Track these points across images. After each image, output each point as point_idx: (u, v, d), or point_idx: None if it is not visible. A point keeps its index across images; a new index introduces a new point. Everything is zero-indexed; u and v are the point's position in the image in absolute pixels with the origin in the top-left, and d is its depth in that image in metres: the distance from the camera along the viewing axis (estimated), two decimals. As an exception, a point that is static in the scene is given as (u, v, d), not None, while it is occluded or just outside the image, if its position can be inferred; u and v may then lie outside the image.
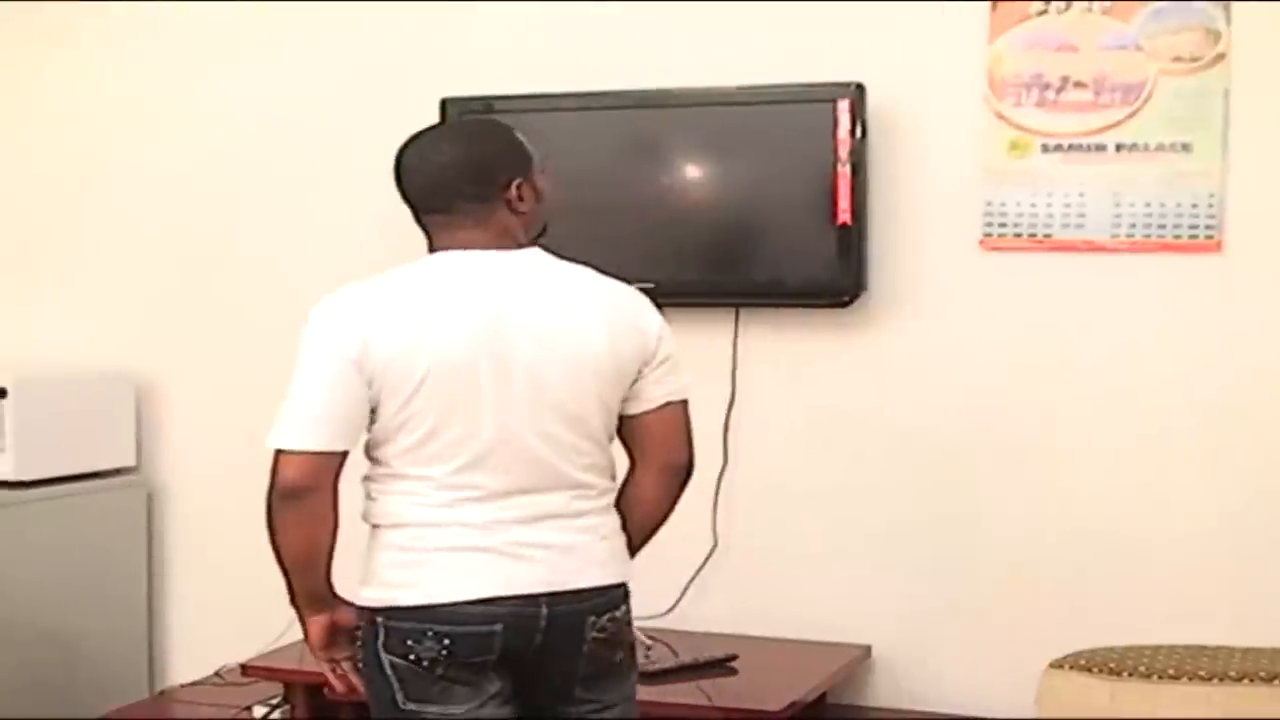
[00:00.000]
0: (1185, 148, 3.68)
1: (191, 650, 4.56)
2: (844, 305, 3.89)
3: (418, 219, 2.90)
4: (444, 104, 4.10)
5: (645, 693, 3.56)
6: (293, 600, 2.86)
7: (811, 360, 4.00)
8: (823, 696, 3.76)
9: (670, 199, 4.03)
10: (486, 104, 4.07)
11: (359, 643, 2.84)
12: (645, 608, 3.94)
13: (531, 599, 2.76)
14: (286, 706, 3.89)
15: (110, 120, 4.63)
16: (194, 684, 4.26)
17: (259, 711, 3.91)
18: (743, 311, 4.00)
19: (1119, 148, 3.73)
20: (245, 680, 3.98)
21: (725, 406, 4.01)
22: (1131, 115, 3.72)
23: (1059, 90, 3.76)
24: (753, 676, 3.70)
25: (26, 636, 4.26)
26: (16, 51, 4.69)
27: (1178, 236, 3.70)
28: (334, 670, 2.92)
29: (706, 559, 4.03)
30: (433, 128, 3.10)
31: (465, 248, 2.82)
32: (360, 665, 2.86)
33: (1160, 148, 3.70)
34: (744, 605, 4.03)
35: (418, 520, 2.78)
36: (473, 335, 2.74)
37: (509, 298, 2.78)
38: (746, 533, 4.03)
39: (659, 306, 3.97)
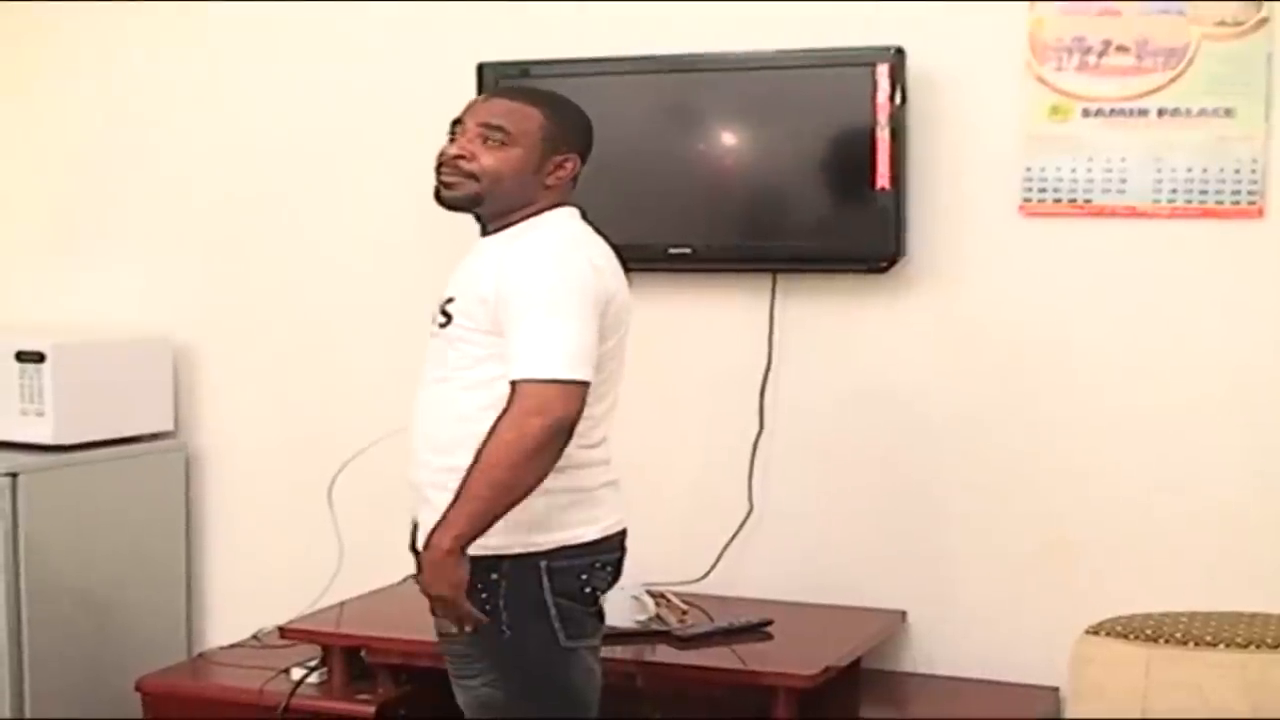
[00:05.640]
0: (1228, 113, 3.65)
1: (229, 613, 4.58)
2: (882, 271, 3.87)
3: (575, 173, 3.14)
4: (480, 69, 4.09)
5: (680, 657, 3.61)
6: (466, 540, 2.87)
7: (849, 326, 3.98)
8: (857, 662, 3.76)
9: (707, 164, 4.02)
10: (523, 69, 4.06)
11: (485, 593, 2.93)
12: (681, 573, 3.97)
13: None
14: (324, 669, 3.90)
15: (150, 87, 4.64)
16: (231, 647, 4.27)
17: (297, 674, 3.92)
18: (780, 277, 3.99)
19: (1161, 113, 3.70)
20: (283, 643, 3.99)
21: (762, 373, 4.00)
22: (1174, 80, 3.68)
23: (1100, 54, 3.73)
24: (787, 642, 3.70)
25: (65, 600, 4.28)
26: (61, 21, 4.70)
27: (1220, 202, 3.67)
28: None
29: (742, 525, 4.03)
30: None
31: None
32: (490, 613, 2.95)
33: (1202, 113, 3.66)
34: (779, 571, 4.02)
35: (581, 461, 2.98)
36: None
37: None
38: (782, 499, 4.03)
39: (696, 272, 4.02)
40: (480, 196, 3.06)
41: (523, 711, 3.01)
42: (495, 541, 2.91)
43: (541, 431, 2.82)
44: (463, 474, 2.86)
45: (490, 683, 3.01)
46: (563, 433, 2.85)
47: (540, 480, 2.87)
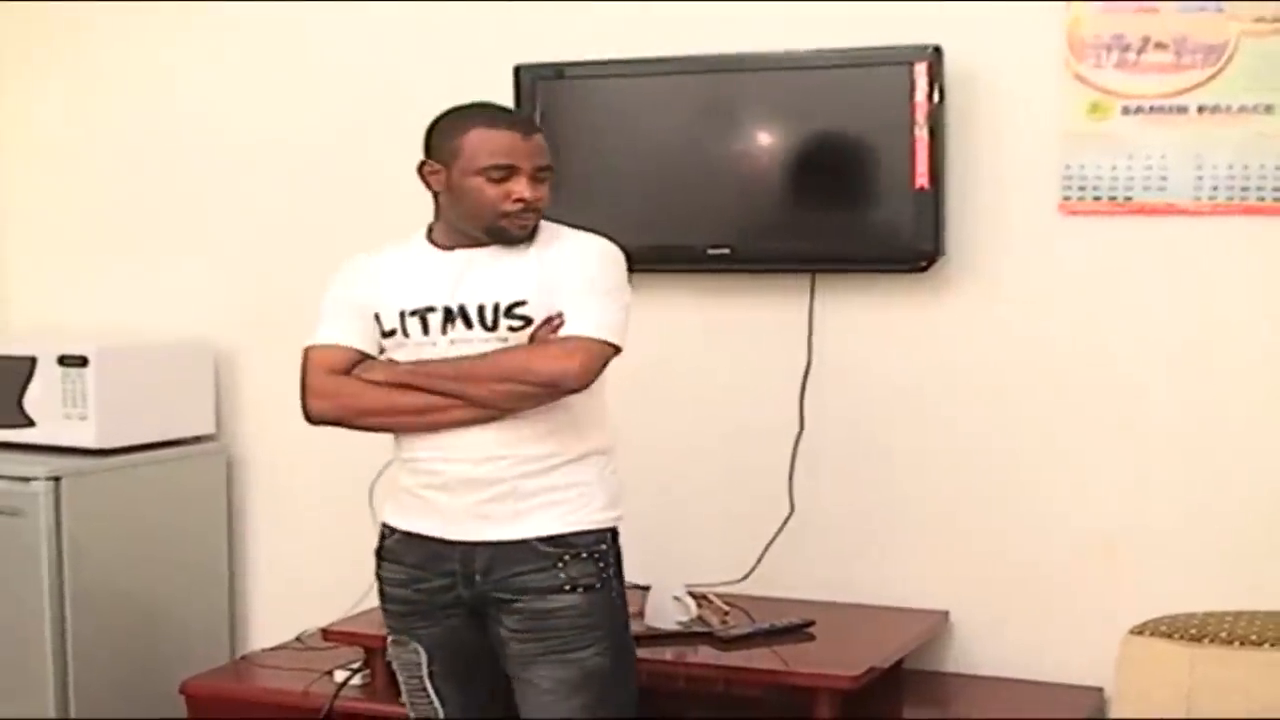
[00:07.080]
0: (1268, 109, 3.63)
1: (272, 616, 4.61)
2: (922, 270, 3.87)
3: None
4: (517, 71, 4.10)
5: (722, 658, 3.60)
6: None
7: (889, 326, 3.98)
8: (900, 662, 3.76)
9: (745, 164, 4.01)
10: (559, 71, 4.07)
11: (602, 562, 3.10)
12: (722, 574, 3.97)
13: None
14: (367, 671, 3.92)
15: (187, 90, 4.67)
16: (275, 649, 4.30)
17: (340, 676, 3.94)
18: (819, 277, 3.98)
19: (1200, 109, 3.68)
20: (326, 645, 4.03)
21: (802, 372, 4.00)
22: (1213, 76, 3.67)
23: (1139, 51, 3.71)
24: (830, 643, 3.70)
25: (108, 603, 4.31)
26: (96, 27, 4.73)
27: (1261, 199, 3.65)
28: None
29: (783, 525, 4.02)
30: None
31: None
32: (605, 581, 3.11)
33: (1242, 109, 3.65)
34: (821, 571, 4.02)
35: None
36: None
37: None
38: (823, 499, 4.02)
39: (735, 272, 4.02)
40: (534, 232, 3.18)
41: (622, 676, 3.14)
42: (610, 514, 3.14)
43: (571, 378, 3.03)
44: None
45: (602, 651, 3.08)
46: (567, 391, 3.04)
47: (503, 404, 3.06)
